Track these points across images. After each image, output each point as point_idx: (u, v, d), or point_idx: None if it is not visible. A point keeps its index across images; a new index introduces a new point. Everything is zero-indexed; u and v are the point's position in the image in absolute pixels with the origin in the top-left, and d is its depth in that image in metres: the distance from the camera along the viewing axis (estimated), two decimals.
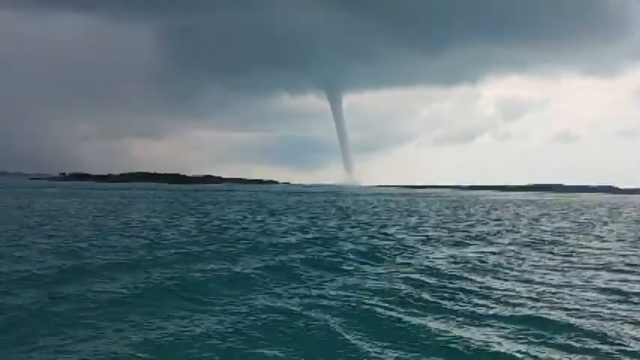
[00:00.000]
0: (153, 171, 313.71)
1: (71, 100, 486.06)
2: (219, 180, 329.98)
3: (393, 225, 37.90)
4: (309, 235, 28.79)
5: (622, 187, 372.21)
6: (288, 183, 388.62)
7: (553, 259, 21.48)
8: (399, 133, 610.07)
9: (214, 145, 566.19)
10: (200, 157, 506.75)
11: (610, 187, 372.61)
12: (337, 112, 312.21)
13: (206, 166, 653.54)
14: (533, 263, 20.34)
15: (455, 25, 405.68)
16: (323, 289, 14.77)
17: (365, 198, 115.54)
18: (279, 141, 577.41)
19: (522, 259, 21.46)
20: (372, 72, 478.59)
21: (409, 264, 19.42)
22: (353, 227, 34.90)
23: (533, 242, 27.98)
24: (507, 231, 35.07)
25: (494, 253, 22.83)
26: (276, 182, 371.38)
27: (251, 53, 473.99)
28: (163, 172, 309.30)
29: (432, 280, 16.05)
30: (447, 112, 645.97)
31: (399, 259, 20.53)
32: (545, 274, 17.91)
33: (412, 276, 16.80)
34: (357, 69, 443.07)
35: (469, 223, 42.26)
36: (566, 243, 28.14)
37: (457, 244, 26.58)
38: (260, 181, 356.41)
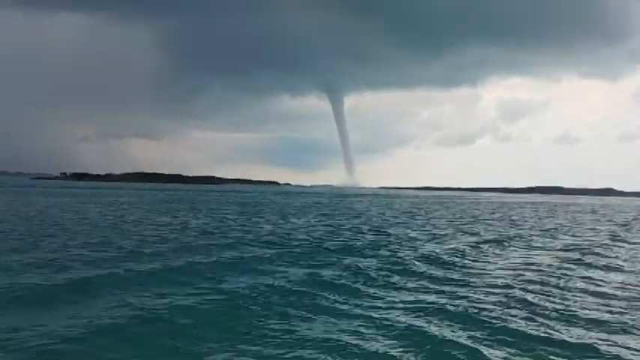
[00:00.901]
0: (152, 171, 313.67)
1: (71, 100, 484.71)
2: (220, 181, 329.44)
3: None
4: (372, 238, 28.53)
5: (622, 189, 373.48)
6: (288, 184, 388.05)
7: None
8: (399, 135, 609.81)
9: (214, 145, 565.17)
10: (200, 157, 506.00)
11: (610, 189, 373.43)
12: (339, 113, 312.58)
13: (206, 166, 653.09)
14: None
15: (455, 27, 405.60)
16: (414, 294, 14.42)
17: (389, 200, 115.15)
18: (279, 142, 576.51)
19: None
20: (373, 73, 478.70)
21: (490, 267, 19.12)
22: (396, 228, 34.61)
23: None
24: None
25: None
26: (277, 183, 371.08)
27: (251, 54, 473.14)
28: (163, 173, 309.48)
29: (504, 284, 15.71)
30: (448, 113, 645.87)
31: (475, 263, 20.18)
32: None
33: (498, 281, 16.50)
34: (358, 70, 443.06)
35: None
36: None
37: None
38: (261, 182, 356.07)
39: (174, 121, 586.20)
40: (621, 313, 12.80)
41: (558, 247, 26.59)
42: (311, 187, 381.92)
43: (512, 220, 50.96)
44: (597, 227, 43.36)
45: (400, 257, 20.71)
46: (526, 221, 49.08)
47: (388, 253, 21.98)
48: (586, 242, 29.55)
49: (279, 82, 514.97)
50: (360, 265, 18.51)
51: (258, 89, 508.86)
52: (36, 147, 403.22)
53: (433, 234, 32.05)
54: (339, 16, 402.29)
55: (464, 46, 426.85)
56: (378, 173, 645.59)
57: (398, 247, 24.90)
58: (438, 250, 23.39)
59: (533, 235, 33.70)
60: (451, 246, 25.52)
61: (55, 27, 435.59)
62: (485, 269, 18.84)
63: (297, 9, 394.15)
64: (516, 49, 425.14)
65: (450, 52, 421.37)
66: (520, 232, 35.81)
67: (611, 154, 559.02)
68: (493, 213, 65.04)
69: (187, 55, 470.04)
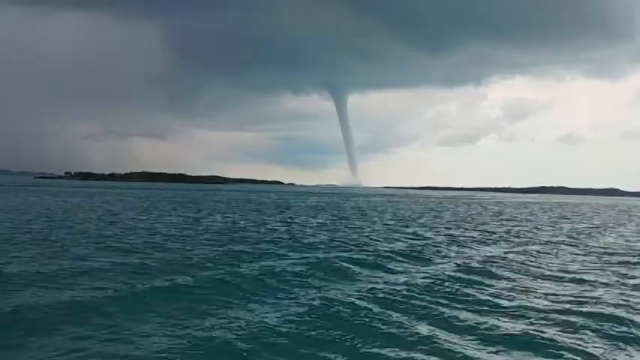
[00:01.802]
0: (156, 170, 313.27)
1: (75, 99, 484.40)
2: (223, 180, 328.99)
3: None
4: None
5: (625, 189, 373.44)
6: (292, 184, 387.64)
7: None
8: (403, 134, 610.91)
9: (217, 144, 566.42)
10: (203, 156, 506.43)
11: (614, 189, 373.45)
12: (342, 112, 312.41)
13: (209, 166, 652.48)
14: None
15: (459, 27, 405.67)
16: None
17: (400, 200, 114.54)
18: (282, 141, 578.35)
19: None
20: (376, 73, 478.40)
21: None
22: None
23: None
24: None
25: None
26: (280, 183, 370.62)
27: (256, 53, 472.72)
28: (167, 172, 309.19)
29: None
30: (452, 113, 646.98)
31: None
32: None
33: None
34: (361, 70, 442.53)
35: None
36: None
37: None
38: (265, 182, 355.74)
39: (179, 120, 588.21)
40: None
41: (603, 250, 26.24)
42: (315, 186, 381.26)
43: (542, 220, 50.59)
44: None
45: (465, 261, 20.36)
46: (546, 221, 48.75)
47: (451, 259, 21.54)
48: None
49: (282, 80, 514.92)
50: (435, 269, 18.21)
51: (260, 88, 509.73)
52: (41, 146, 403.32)
53: (481, 238, 31.64)
54: (342, 15, 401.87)
55: (468, 45, 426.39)
56: (381, 173, 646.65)
57: (447, 249, 24.48)
58: (495, 254, 23.02)
59: (571, 237, 33.37)
60: (506, 249, 25.19)
61: (58, 25, 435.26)
62: (563, 271, 18.47)
63: (300, 8, 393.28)
64: (520, 48, 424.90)
65: (454, 51, 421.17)
66: (554, 233, 35.46)
67: (615, 153, 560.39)
68: (500, 213, 64.59)
69: (192, 53, 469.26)
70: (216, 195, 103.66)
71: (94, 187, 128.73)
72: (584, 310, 12.80)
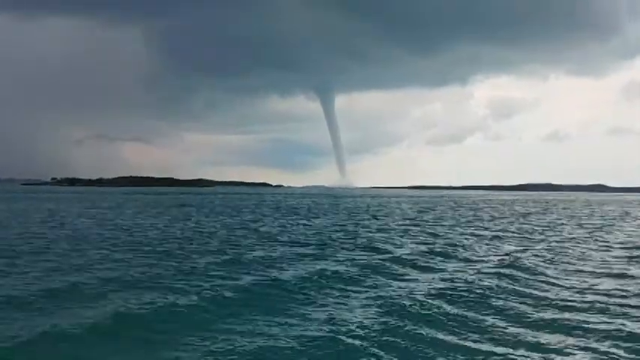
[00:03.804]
0: (144, 175, 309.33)
1: (61, 104, 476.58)
2: (211, 183, 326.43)
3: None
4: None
5: (612, 185, 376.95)
6: (281, 185, 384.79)
7: None
8: (390, 134, 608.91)
9: (204, 148, 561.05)
10: (190, 160, 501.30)
11: (601, 185, 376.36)
12: (329, 113, 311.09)
13: (196, 169, 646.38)
14: None
15: (444, 25, 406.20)
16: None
17: (398, 200, 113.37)
18: (270, 143, 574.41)
19: None
20: (363, 73, 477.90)
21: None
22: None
23: None
24: None
25: None
26: (269, 185, 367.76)
27: (241, 54, 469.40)
28: (154, 176, 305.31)
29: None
30: (439, 112, 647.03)
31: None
32: None
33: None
34: (349, 70, 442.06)
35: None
36: None
37: None
38: (253, 184, 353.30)
39: (165, 123, 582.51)
40: None
41: None
42: (304, 187, 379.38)
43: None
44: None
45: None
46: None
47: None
48: None
49: (269, 82, 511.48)
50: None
51: (247, 90, 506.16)
52: (27, 152, 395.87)
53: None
54: (330, 16, 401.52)
55: (455, 44, 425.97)
56: (370, 173, 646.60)
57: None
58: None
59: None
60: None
61: (43, 30, 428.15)
62: None
63: (285, 8, 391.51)
64: (507, 47, 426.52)
65: (440, 51, 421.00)
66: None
67: (601, 150, 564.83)
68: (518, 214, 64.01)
69: (178, 56, 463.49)
70: (207, 198, 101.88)
71: (80, 193, 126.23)
72: None
